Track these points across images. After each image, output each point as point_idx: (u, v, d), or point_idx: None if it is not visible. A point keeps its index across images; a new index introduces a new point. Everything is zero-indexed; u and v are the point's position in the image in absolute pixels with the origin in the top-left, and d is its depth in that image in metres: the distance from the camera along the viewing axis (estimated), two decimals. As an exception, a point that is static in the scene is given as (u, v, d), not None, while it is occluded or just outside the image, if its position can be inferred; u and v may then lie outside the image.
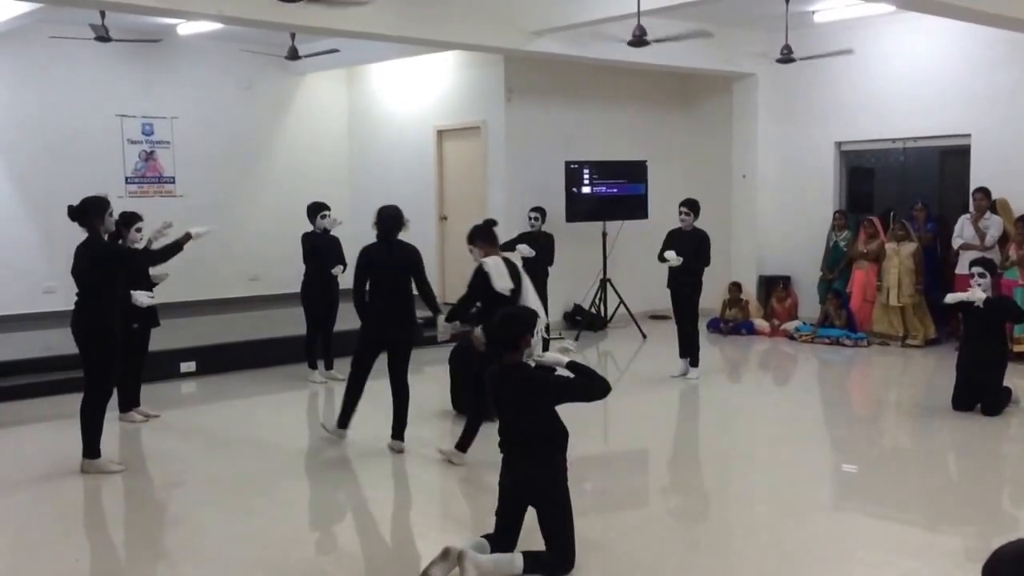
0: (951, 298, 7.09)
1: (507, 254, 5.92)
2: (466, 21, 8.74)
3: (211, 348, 8.83)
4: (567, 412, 4.15)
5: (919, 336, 9.71)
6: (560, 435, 4.13)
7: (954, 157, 10.24)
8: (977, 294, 6.83)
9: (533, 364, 4.22)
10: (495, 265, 5.54)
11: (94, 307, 5.62)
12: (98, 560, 4.67)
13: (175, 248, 5.83)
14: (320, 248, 8.10)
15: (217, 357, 8.74)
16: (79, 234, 5.70)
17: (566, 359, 4.15)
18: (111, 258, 5.74)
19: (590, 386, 4.11)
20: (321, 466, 6.29)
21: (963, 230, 9.32)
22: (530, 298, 5.65)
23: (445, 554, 3.91)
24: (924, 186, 10.60)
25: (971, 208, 9.36)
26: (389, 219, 6.24)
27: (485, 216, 10.95)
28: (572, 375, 4.17)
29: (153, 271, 6.86)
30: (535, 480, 4.09)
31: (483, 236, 5.78)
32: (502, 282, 5.47)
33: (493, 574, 3.94)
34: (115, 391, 6.20)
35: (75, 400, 5.88)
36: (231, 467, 5.96)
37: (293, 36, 9.67)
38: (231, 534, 4.77)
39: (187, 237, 5.83)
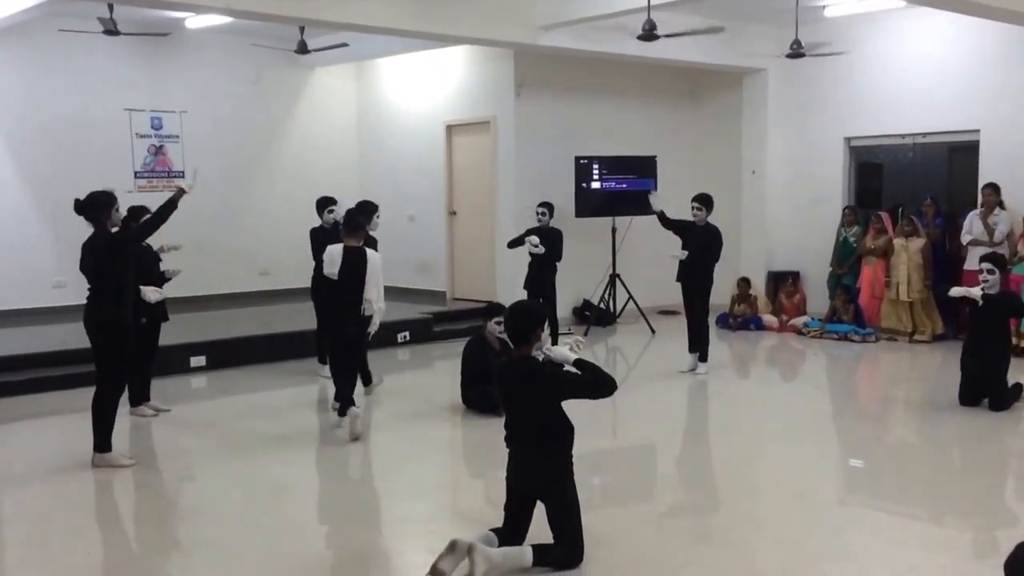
0: (956, 291, 7.13)
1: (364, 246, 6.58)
2: (476, 15, 8.74)
3: (221, 343, 8.86)
4: (577, 406, 4.15)
5: (927, 332, 9.69)
6: (565, 430, 4.14)
7: (963, 153, 10.20)
8: (974, 291, 6.84)
9: (541, 358, 4.23)
10: (330, 252, 6.49)
11: (105, 302, 5.64)
12: (110, 553, 4.70)
13: (170, 206, 5.82)
14: (325, 242, 8.07)
15: (227, 352, 8.76)
16: (88, 229, 5.72)
17: (573, 356, 4.15)
18: (117, 247, 5.71)
19: (596, 383, 4.11)
20: (331, 460, 6.31)
21: (972, 226, 9.29)
22: (369, 287, 6.44)
23: (452, 547, 3.92)
24: (933, 182, 10.55)
25: (980, 204, 9.33)
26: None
27: (494, 211, 11.01)
28: (579, 372, 4.17)
29: (165, 266, 6.88)
30: (541, 475, 4.11)
31: (344, 224, 6.68)
32: (329, 267, 6.45)
33: (503, 567, 3.96)
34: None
35: (86, 394, 5.90)
36: (241, 461, 5.98)
37: (302, 30, 9.67)
38: (242, 528, 4.79)
39: (180, 192, 5.89)
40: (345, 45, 10.13)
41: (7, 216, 10.13)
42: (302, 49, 9.88)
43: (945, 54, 10.03)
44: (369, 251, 6.56)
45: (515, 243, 9.39)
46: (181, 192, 5.91)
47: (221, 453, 6.21)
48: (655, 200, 8.50)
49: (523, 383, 4.12)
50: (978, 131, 9.80)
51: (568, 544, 4.07)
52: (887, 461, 6.10)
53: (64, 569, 4.33)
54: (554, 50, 9.69)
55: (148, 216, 6.13)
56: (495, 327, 6.88)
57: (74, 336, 7.14)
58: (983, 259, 7.14)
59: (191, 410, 7.39)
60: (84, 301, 5.76)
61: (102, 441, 5.73)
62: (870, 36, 10.41)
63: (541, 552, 4.04)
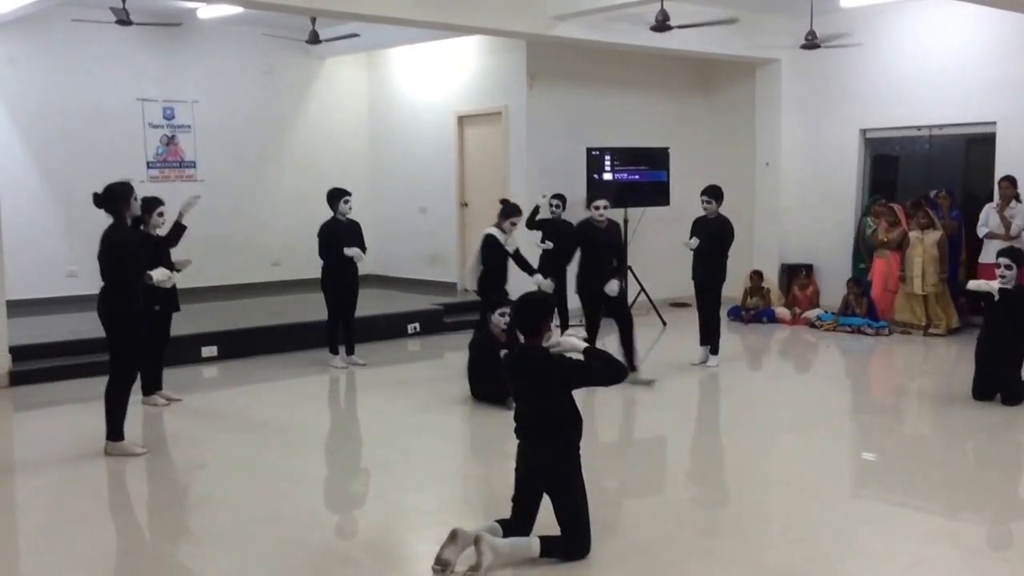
0: (973, 284, 7.06)
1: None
2: (487, 5, 8.70)
3: (232, 333, 8.88)
4: (587, 398, 4.14)
5: (942, 325, 9.63)
6: (575, 421, 4.13)
7: (980, 145, 10.11)
8: (992, 285, 6.78)
9: (551, 348, 4.21)
10: None
11: (119, 291, 5.66)
12: (121, 540, 4.73)
13: (178, 229, 6.41)
14: (340, 234, 8.09)
15: (238, 342, 8.78)
16: (101, 217, 5.73)
17: (583, 344, 4.14)
18: (133, 241, 5.79)
19: (607, 371, 4.10)
20: (340, 451, 6.34)
21: (988, 219, 9.20)
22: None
23: (454, 536, 3.94)
24: (949, 174, 10.45)
25: (996, 196, 9.24)
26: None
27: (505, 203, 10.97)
28: (589, 360, 4.15)
29: (176, 258, 6.90)
30: (548, 466, 4.10)
31: None
32: None
33: (510, 557, 3.96)
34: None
35: (99, 383, 5.94)
36: (252, 451, 6.00)
37: (314, 20, 9.67)
38: (252, 517, 4.80)
39: (180, 217, 6.50)
40: (356, 35, 10.12)
41: (20, 206, 10.14)
42: (313, 39, 9.88)
43: (961, 45, 9.92)
44: (485, 231, 7.68)
45: (531, 222, 9.37)
46: (180, 216, 6.53)
47: (232, 442, 6.24)
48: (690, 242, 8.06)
49: (533, 373, 4.12)
50: (995, 123, 9.70)
51: (575, 535, 4.07)
52: (899, 455, 6.07)
53: (76, 556, 4.36)
54: (566, 41, 9.64)
55: (163, 240, 6.65)
56: (499, 319, 6.84)
57: (87, 325, 7.18)
58: (1001, 253, 7.06)
59: (202, 399, 7.41)
60: (97, 290, 5.78)
61: (114, 429, 5.76)
62: (885, 27, 10.31)
63: (548, 543, 4.03)
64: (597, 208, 7.61)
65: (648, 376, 7.43)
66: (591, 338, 7.44)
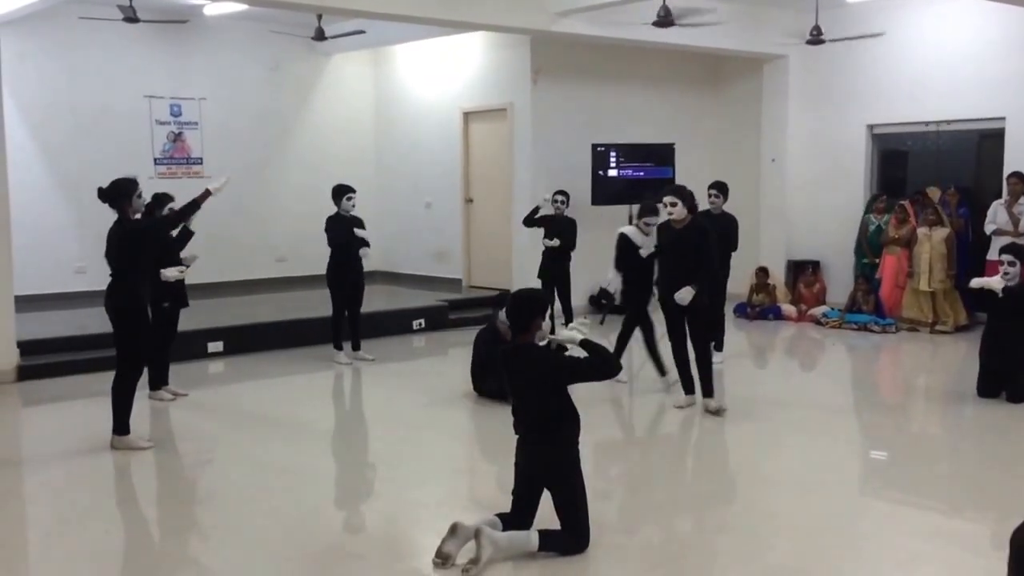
0: (976, 282, 7.03)
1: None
2: (491, 2, 8.71)
3: (238, 329, 8.92)
4: (592, 395, 4.14)
5: (949, 322, 9.60)
6: (571, 417, 4.13)
7: (989, 140, 10.06)
8: (995, 282, 6.75)
9: (546, 343, 4.22)
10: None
11: (126, 287, 5.70)
12: (128, 533, 4.77)
13: (193, 207, 5.93)
14: (345, 232, 8.11)
15: (244, 337, 8.83)
16: (109, 214, 5.78)
17: (580, 336, 4.14)
18: (138, 234, 5.79)
19: (599, 365, 4.08)
20: (345, 446, 6.37)
21: (996, 215, 9.16)
22: None
23: (454, 530, 3.97)
24: (958, 170, 10.41)
25: (1005, 193, 9.21)
26: None
27: (510, 199, 10.99)
28: (585, 353, 4.16)
29: (184, 254, 6.94)
30: (546, 461, 4.11)
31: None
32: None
33: (509, 551, 3.98)
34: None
35: (106, 378, 5.97)
36: (257, 446, 6.03)
37: (320, 17, 9.69)
38: (257, 511, 4.83)
39: (206, 194, 5.91)
40: (362, 32, 10.14)
41: (29, 202, 10.20)
42: (319, 36, 9.90)
43: (970, 40, 9.88)
44: (620, 229, 7.50)
45: (530, 220, 9.34)
46: (207, 194, 5.94)
47: (237, 437, 6.27)
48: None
49: (527, 369, 4.12)
50: (1004, 119, 9.66)
51: (574, 530, 4.08)
52: (904, 452, 6.06)
53: (83, 548, 4.39)
54: (570, 36, 9.63)
55: (172, 212, 6.26)
56: (506, 318, 6.85)
57: (95, 321, 7.24)
58: (1004, 250, 7.04)
59: (208, 394, 7.46)
60: (105, 286, 5.82)
61: (121, 424, 5.80)
62: (893, 22, 10.27)
63: (547, 537, 4.05)
64: (665, 207, 6.48)
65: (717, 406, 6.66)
66: (676, 354, 6.79)
